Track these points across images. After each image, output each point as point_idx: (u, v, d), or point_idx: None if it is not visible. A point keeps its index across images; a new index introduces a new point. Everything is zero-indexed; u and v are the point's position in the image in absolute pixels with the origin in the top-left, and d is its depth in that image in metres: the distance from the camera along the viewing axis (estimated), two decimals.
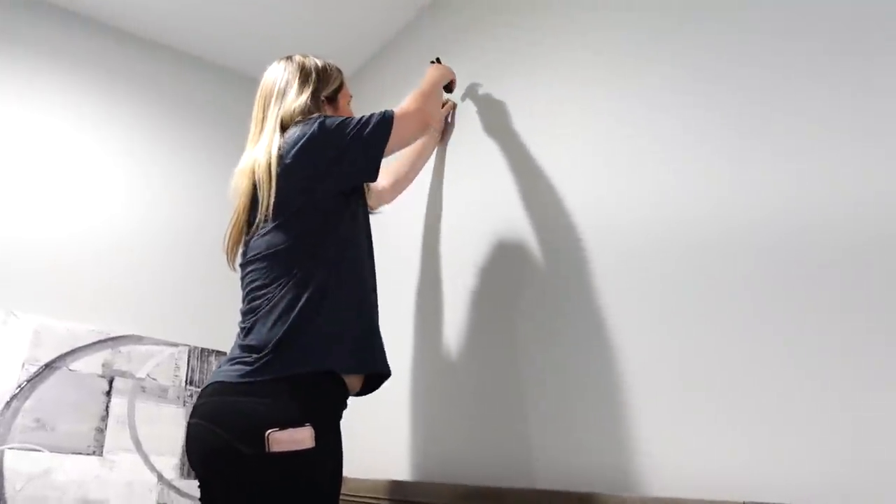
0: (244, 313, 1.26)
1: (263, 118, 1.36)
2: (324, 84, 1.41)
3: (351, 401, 1.93)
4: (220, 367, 1.21)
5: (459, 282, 1.59)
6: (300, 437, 1.06)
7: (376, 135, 1.29)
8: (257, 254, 1.26)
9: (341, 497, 1.61)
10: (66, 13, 2.20)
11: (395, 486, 1.46)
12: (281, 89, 1.37)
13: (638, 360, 1.12)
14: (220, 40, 2.36)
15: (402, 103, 1.41)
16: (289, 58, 1.43)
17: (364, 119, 1.30)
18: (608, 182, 1.27)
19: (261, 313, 1.19)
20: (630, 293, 1.16)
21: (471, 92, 1.73)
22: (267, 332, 1.16)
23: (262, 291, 1.22)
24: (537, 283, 1.37)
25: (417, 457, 1.58)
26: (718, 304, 1.02)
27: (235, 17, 2.22)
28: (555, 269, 1.33)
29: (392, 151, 1.36)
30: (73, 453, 1.87)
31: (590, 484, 1.14)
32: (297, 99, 1.35)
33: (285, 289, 1.19)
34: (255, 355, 1.15)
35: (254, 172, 1.27)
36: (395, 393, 1.71)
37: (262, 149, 1.28)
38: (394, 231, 1.89)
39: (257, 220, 1.26)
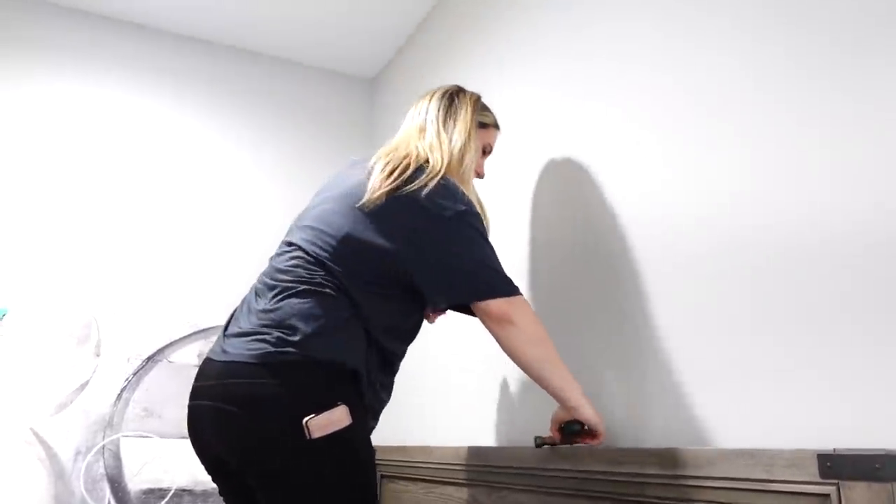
0: (278, 274, 1.14)
1: (443, 123, 1.28)
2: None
3: (432, 372, 1.96)
4: (226, 337, 1.12)
5: (529, 259, 1.58)
6: (337, 417, 1.02)
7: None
8: (332, 229, 1.15)
9: (427, 464, 1.66)
10: (210, 45, 2.32)
11: (477, 451, 1.48)
12: (459, 124, 1.29)
13: (706, 314, 1.07)
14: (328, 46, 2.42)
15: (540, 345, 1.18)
16: (467, 96, 1.36)
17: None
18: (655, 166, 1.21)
19: (298, 296, 1.10)
20: (685, 260, 1.12)
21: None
22: (302, 321, 1.07)
23: (310, 273, 1.12)
24: (598, 259, 1.34)
25: (498, 422, 1.59)
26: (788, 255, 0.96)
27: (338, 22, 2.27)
28: (612, 248, 1.30)
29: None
30: (180, 438, 2.01)
31: (666, 440, 1.11)
32: (463, 151, 1.26)
33: (333, 291, 1.10)
34: (276, 332, 1.06)
35: (395, 155, 1.19)
36: (474, 363, 1.73)
37: (418, 142, 1.23)
38: None
39: (363, 201, 1.13)
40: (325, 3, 2.27)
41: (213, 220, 2.29)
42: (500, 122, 1.47)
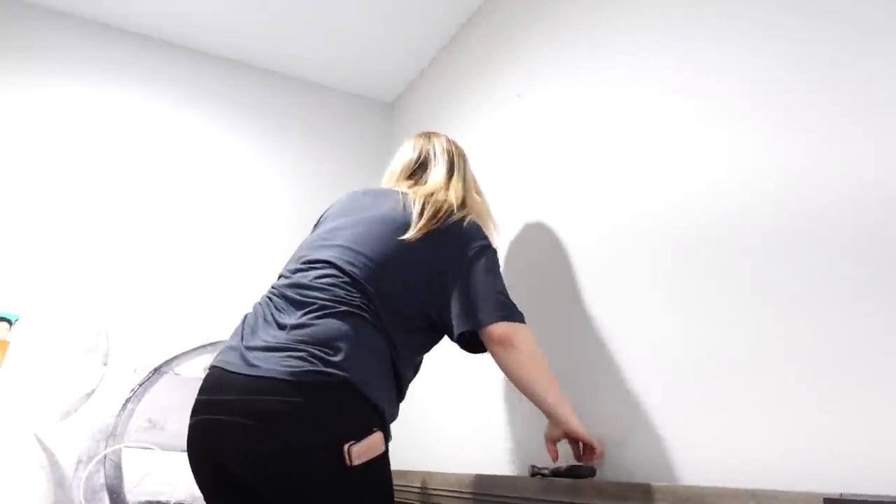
0: (308, 290, 1.13)
1: (464, 173, 1.43)
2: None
3: (437, 397, 1.95)
4: (248, 349, 1.07)
5: (529, 287, 1.57)
6: (375, 443, 1.02)
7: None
8: (371, 252, 1.18)
9: (427, 490, 1.64)
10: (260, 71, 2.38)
11: (478, 479, 1.46)
12: (469, 172, 1.46)
13: (710, 348, 1.06)
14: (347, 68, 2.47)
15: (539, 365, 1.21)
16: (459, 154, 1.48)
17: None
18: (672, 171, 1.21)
19: (337, 317, 1.09)
20: (671, 298, 1.11)
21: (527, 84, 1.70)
22: (343, 342, 1.06)
23: (349, 294, 1.12)
24: (587, 288, 1.33)
25: (498, 451, 1.57)
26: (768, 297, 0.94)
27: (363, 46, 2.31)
28: (606, 274, 1.29)
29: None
30: (182, 451, 2.00)
31: (668, 476, 1.09)
32: (478, 200, 1.46)
33: (369, 316, 1.12)
34: (314, 350, 1.03)
35: (434, 198, 1.28)
36: (477, 391, 1.72)
37: (450, 188, 1.36)
38: None
39: (408, 236, 1.21)
40: (347, 27, 2.31)
41: (227, 236, 2.31)
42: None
